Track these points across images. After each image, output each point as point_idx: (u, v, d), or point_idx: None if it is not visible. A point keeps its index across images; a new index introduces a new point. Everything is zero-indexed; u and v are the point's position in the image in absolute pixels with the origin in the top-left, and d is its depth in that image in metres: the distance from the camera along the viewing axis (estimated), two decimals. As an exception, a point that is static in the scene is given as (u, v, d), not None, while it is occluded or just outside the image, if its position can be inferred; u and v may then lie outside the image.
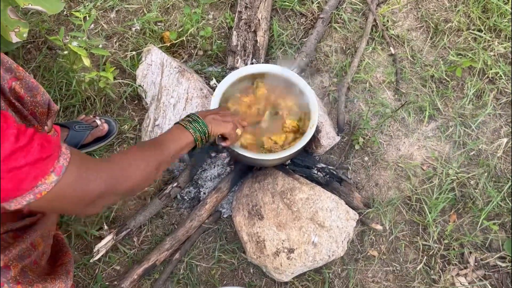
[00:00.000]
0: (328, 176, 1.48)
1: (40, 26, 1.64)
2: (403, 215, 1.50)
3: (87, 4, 1.73)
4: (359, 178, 1.56)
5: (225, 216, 1.50)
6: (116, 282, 1.38)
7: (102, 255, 1.39)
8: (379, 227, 1.46)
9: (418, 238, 1.47)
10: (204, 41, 1.69)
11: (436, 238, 1.46)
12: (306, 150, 1.53)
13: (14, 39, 1.38)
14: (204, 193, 1.52)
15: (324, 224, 1.33)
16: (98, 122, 1.50)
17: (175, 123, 1.09)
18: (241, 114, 1.39)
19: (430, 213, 1.47)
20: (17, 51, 1.61)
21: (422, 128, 1.62)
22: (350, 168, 1.56)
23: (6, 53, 1.59)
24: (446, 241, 1.46)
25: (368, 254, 1.45)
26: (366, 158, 1.58)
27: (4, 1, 1.27)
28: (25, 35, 1.39)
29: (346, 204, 1.41)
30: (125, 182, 0.85)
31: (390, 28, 1.77)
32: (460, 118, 1.62)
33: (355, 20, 1.79)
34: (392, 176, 1.55)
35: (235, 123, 1.21)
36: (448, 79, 1.68)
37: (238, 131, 1.21)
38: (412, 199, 1.51)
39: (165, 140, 1.01)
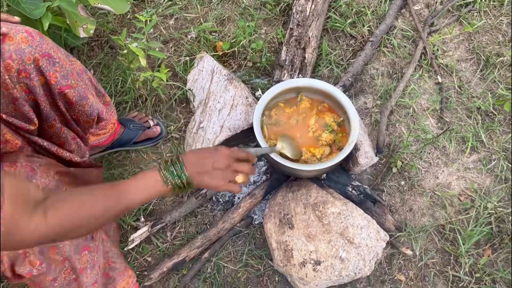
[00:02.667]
0: (362, 195, 1.49)
1: (105, 26, 1.77)
2: (435, 243, 1.48)
3: (149, 10, 1.85)
4: (393, 201, 1.56)
5: (256, 222, 1.53)
6: (146, 272, 1.43)
7: (136, 245, 1.46)
8: (409, 252, 1.45)
9: (449, 268, 1.44)
10: (254, 53, 1.76)
11: (467, 270, 1.43)
12: (343, 167, 1.54)
13: (82, 34, 1.50)
14: (238, 198, 1.56)
15: (354, 241, 1.33)
16: (151, 123, 1.59)
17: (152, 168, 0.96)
18: (282, 123, 1.44)
19: (463, 244, 1.44)
20: (83, 47, 1.74)
21: (463, 159, 1.60)
22: (385, 190, 1.56)
23: (73, 48, 1.73)
24: (478, 275, 1.42)
25: (395, 277, 1.44)
26: (402, 182, 1.58)
27: (78, -1, 1.39)
28: (91, 31, 1.51)
29: (378, 224, 1.41)
30: (65, 237, 0.83)
31: (439, 57, 1.78)
32: (504, 153, 1.60)
33: (405, 46, 1.81)
34: (427, 203, 1.54)
35: (232, 176, 1.01)
36: (495, 112, 1.66)
37: (239, 178, 1.03)
38: (446, 228, 1.49)
39: (130, 190, 0.89)
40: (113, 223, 1.38)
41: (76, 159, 1.20)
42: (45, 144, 1.13)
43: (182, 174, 0.94)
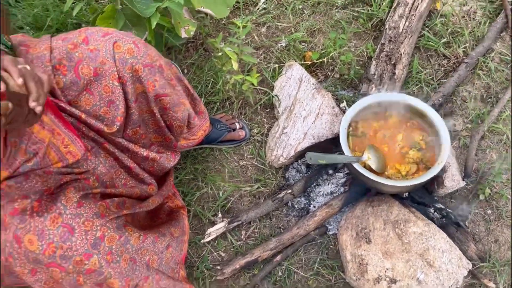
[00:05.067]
0: (444, 219, 1.44)
1: (202, 29, 1.86)
2: (522, 280, 1.39)
3: (244, 17, 1.92)
4: (477, 230, 1.48)
5: (330, 233, 1.53)
6: (219, 267, 1.47)
7: (211, 239, 1.51)
8: (491, 285, 1.37)
9: (536, 308, 1.34)
10: (342, 65, 1.77)
11: (557, 314, 1.32)
12: (426, 187, 1.50)
13: (183, 35, 1.59)
14: (314, 206, 1.56)
15: (434, 264, 1.29)
16: (237, 126, 1.65)
17: None
18: (368, 136, 1.43)
19: (555, 285, 1.34)
20: (180, 47, 1.84)
21: (560, 194, 1.49)
22: (470, 217, 1.49)
23: (170, 48, 1.84)
24: None
25: (474, 310, 1.37)
26: (489, 211, 1.50)
27: (186, 2, 1.48)
28: (192, 33, 1.60)
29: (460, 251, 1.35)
30: None
31: (540, 84, 1.68)
32: None
33: (502, 70, 1.73)
34: (515, 236, 1.45)
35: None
36: None
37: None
38: (535, 265, 1.39)
39: None
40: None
41: (152, 155, 1.28)
42: (119, 139, 1.20)
43: None
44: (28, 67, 0.86)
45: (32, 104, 0.83)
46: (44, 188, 1.00)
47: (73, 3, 1.56)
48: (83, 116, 1.11)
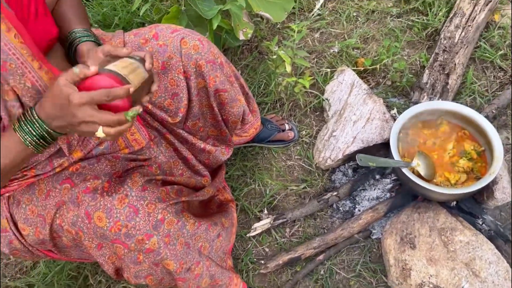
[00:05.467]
0: (492, 231, 1.42)
1: (258, 32, 1.93)
2: None
3: (299, 22, 1.98)
4: (526, 245, 1.45)
5: (373, 237, 1.54)
6: (263, 261, 1.52)
7: (257, 234, 1.56)
8: (539, 302, 1.34)
9: None
10: (395, 73, 1.78)
11: None
12: (475, 198, 1.49)
13: (241, 37, 1.66)
14: (359, 210, 1.59)
15: (480, 274, 1.28)
16: (287, 127, 1.70)
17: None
18: (418, 144, 1.44)
19: None
20: (236, 49, 1.92)
21: None
22: (519, 231, 1.47)
23: (227, 49, 1.92)
24: None
25: (520, 325, 1.34)
26: (540, 227, 1.47)
27: (246, 5, 1.55)
28: (249, 35, 1.67)
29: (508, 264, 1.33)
30: None
31: None
32: None
33: (562, 85, 1.69)
34: None
35: (93, 127, 0.82)
36: None
37: (100, 132, 0.81)
38: None
39: None
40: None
41: (208, 147, 1.35)
42: (179, 130, 1.28)
43: (42, 131, 0.84)
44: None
45: (154, 88, 0.98)
46: (113, 171, 1.09)
47: (140, 3, 1.66)
48: (150, 106, 1.20)
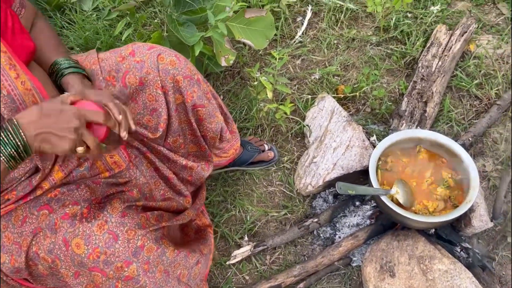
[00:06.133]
0: (470, 259, 1.44)
1: (240, 58, 1.95)
2: (550, 328, 1.36)
3: (280, 49, 2.01)
4: (504, 272, 1.47)
5: (354, 264, 1.54)
6: (242, 289, 1.50)
7: (237, 261, 1.54)
8: (517, 330, 1.35)
9: None
10: (374, 100, 1.82)
11: None
12: (453, 226, 1.50)
13: (223, 63, 1.68)
14: (339, 237, 1.58)
15: (458, 303, 1.28)
16: (266, 147, 1.71)
17: None
18: (397, 171, 1.46)
19: None
20: (219, 74, 1.93)
21: None
22: (497, 259, 1.48)
23: (209, 74, 1.93)
24: None
25: None
26: (517, 254, 1.49)
27: (228, 32, 1.57)
28: (231, 62, 1.68)
29: (486, 292, 1.34)
30: None
31: None
32: None
33: (535, 114, 1.74)
34: (544, 282, 1.43)
35: (78, 142, 0.85)
36: None
37: (80, 149, 0.85)
38: None
39: None
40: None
41: (190, 163, 1.34)
42: (160, 148, 1.28)
43: (17, 140, 0.80)
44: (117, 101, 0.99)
45: (123, 134, 0.95)
46: (93, 197, 1.07)
47: (122, 28, 1.67)
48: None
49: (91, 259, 0.97)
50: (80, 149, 0.85)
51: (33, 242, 1.00)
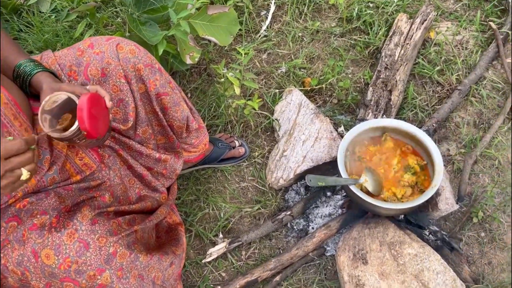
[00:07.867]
0: (439, 241, 1.48)
1: (206, 55, 1.94)
2: (515, 302, 1.42)
3: (246, 44, 2.01)
4: (471, 252, 1.52)
5: (328, 254, 1.56)
6: (219, 287, 1.51)
7: (212, 259, 1.55)
8: (485, 306, 1.41)
9: (529, 330, 1.38)
10: (340, 91, 1.84)
11: (550, 335, 1.35)
12: (421, 210, 1.55)
13: (188, 61, 1.66)
14: (313, 228, 1.61)
15: (428, 285, 1.33)
16: (237, 143, 1.71)
17: None
18: (365, 160, 1.48)
19: (547, 307, 1.37)
20: (185, 72, 1.91)
21: (551, 218, 1.54)
22: (463, 239, 1.54)
23: (175, 72, 1.91)
24: None
25: (469, 331, 1.40)
26: (482, 234, 1.54)
27: (191, 30, 1.56)
28: (196, 59, 1.67)
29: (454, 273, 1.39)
30: None
31: (530, 111, 1.75)
32: None
33: (494, 97, 1.80)
34: (508, 258, 1.49)
35: (12, 177, 0.81)
36: None
37: (24, 173, 0.81)
38: (528, 288, 1.43)
39: None
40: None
41: (163, 156, 1.33)
42: (132, 142, 1.26)
43: None
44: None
45: (108, 104, 1.03)
46: (62, 206, 1.05)
47: (83, 29, 1.63)
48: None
49: (62, 269, 0.96)
50: (23, 175, 0.81)
51: (1, 255, 0.97)
